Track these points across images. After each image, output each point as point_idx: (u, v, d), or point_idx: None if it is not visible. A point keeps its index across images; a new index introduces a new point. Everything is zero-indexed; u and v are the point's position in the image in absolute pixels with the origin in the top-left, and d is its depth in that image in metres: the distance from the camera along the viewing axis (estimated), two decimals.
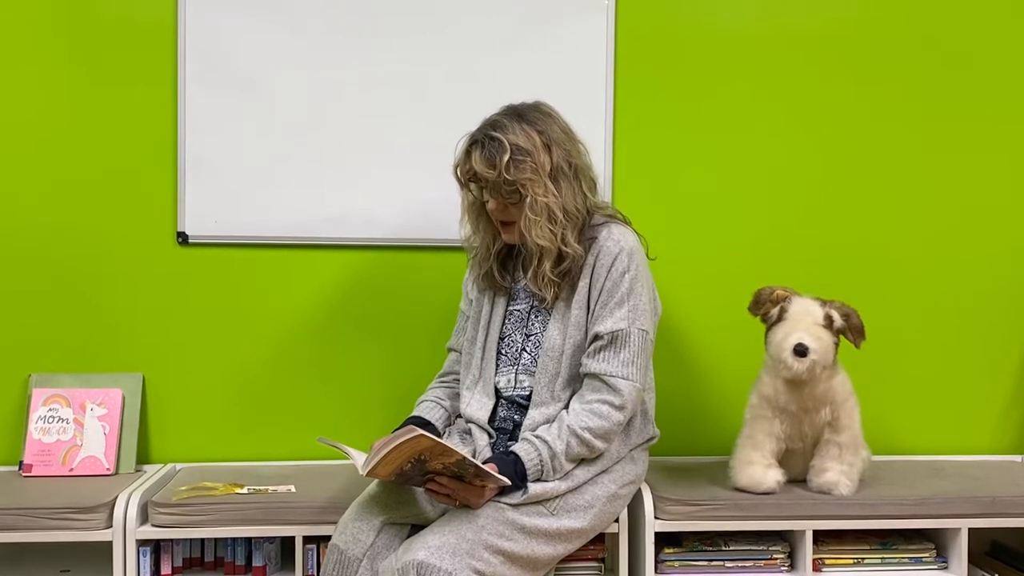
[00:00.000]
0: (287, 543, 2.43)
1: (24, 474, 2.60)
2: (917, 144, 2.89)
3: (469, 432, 2.32)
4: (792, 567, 2.44)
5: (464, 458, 2.01)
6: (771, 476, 2.43)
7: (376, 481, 2.22)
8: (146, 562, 2.33)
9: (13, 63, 2.70)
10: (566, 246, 2.22)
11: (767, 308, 2.44)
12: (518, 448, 2.15)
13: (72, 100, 2.72)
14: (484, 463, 2.09)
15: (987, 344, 2.93)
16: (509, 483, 2.09)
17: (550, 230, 2.21)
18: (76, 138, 2.72)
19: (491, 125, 2.23)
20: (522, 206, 2.21)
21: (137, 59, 2.72)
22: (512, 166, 2.17)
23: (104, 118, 2.72)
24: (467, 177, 2.26)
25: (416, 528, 2.16)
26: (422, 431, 1.97)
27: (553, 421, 2.20)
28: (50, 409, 2.66)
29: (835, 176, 2.88)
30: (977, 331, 2.92)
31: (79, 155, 2.72)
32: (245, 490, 2.44)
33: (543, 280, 2.24)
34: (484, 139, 2.20)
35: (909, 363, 2.91)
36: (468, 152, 2.23)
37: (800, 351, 2.34)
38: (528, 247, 2.25)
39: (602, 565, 2.42)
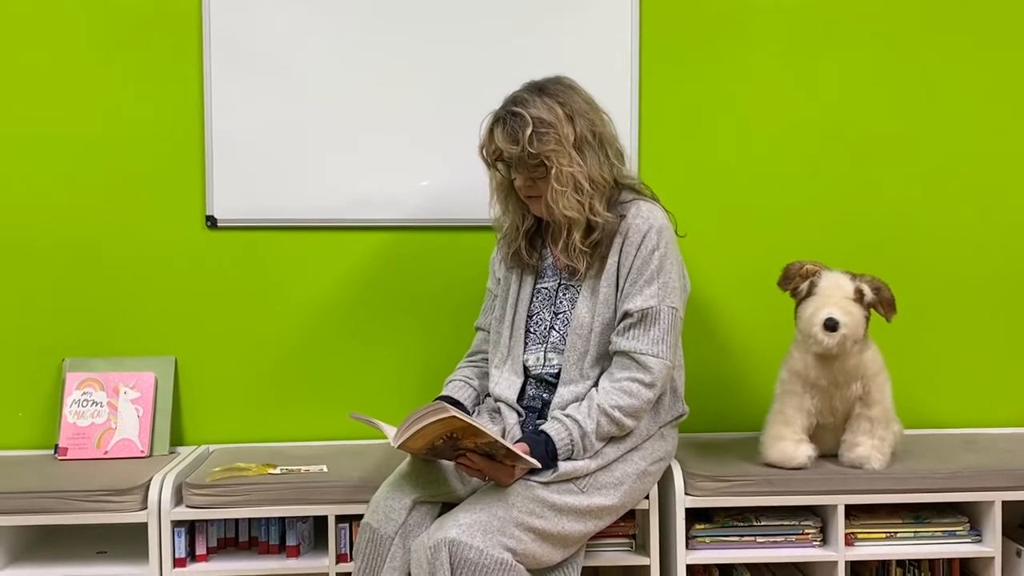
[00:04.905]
0: (320, 522, 2.45)
1: (59, 457, 2.64)
2: (949, 115, 2.85)
3: (498, 411, 2.32)
4: (824, 542, 2.43)
5: (496, 440, 2.02)
6: (802, 451, 2.42)
7: (408, 460, 2.23)
8: (181, 543, 2.36)
9: (42, 52, 2.71)
10: (595, 215, 2.22)
11: (797, 283, 2.42)
12: (548, 428, 2.16)
13: (100, 87, 2.73)
14: (515, 443, 2.10)
15: (1019, 317, 2.89)
16: (539, 466, 2.10)
17: (577, 200, 2.20)
18: (105, 124, 2.73)
19: (512, 101, 2.23)
20: (548, 179, 2.20)
21: (164, 44, 2.73)
22: (535, 139, 2.17)
23: (132, 103, 2.73)
24: (493, 157, 2.26)
25: (447, 506, 2.17)
26: (455, 412, 1.98)
27: (582, 399, 2.20)
28: (84, 393, 2.68)
29: (865, 149, 2.85)
30: (1009, 304, 2.89)
31: (108, 141, 2.73)
32: (278, 470, 2.46)
33: (574, 251, 2.24)
34: (506, 116, 2.21)
35: (940, 336, 2.88)
36: (491, 131, 2.23)
37: (830, 326, 2.32)
38: (556, 219, 2.24)
39: (633, 541, 2.42)
